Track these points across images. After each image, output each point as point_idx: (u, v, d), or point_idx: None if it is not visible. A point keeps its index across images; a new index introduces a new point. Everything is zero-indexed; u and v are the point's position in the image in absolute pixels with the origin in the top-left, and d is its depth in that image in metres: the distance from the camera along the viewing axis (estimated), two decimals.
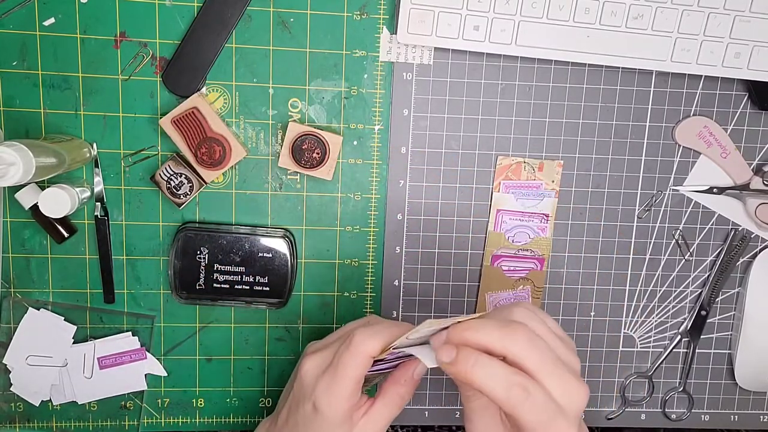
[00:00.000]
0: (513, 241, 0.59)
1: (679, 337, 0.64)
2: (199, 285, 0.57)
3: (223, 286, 0.57)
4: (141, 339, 0.59)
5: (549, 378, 0.38)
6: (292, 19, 0.56)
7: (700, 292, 0.63)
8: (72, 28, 0.54)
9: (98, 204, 0.57)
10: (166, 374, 0.60)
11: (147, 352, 0.59)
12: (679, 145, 0.60)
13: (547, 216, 0.59)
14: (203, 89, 0.56)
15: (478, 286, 0.61)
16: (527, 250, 0.60)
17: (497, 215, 0.59)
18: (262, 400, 0.62)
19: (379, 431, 0.46)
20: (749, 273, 0.62)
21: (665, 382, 0.65)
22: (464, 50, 0.57)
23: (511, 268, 0.60)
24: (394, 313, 0.61)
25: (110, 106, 0.56)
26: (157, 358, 0.60)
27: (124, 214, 0.57)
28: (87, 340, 0.59)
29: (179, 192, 0.56)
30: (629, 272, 0.62)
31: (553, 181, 0.59)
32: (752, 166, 0.61)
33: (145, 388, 0.60)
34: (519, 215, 0.59)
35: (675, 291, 0.63)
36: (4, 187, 0.56)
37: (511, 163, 0.58)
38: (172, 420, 0.62)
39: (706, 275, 0.63)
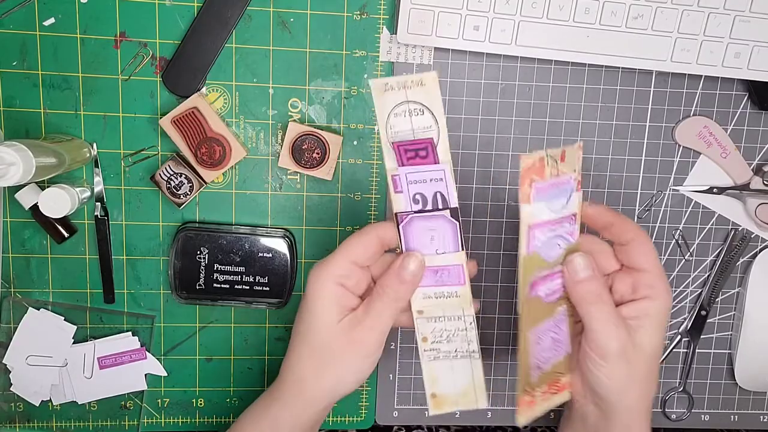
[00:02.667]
0: (546, 260, 0.46)
1: (679, 337, 0.64)
2: (199, 285, 0.57)
3: (223, 286, 0.57)
4: (141, 339, 0.59)
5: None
6: (292, 19, 0.56)
7: (700, 292, 0.63)
8: (72, 28, 0.54)
9: (98, 204, 0.57)
10: (166, 374, 0.60)
11: (147, 352, 0.59)
12: (679, 145, 0.60)
13: (574, 216, 0.46)
14: (203, 89, 0.56)
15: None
16: (561, 263, 0.47)
17: (529, 233, 0.44)
18: None
19: (374, 333, 0.45)
20: (749, 273, 0.62)
21: (665, 382, 0.65)
22: (464, 50, 0.57)
23: (549, 292, 0.47)
24: None
25: (110, 106, 0.56)
26: (157, 358, 0.60)
27: (124, 214, 0.57)
28: (87, 340, 0.59)
29: (179, 192, 0.56)
30: None
31: (575, 170, 0.46)
32: (752, 166, 0.61)
33: (145, 388, 0.60)
34: (549, 225, 0.45)
35: (675, 291, 0.63)
36: (4, 187, 0.56)
37: (534, 161, 0.44)
38: (172, 420, 0.62)
39: (706, 275, 0.63)
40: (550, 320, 0.48)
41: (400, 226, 0.45)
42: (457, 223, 0.45)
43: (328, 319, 0.45)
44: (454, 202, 0.45)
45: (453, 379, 0.49)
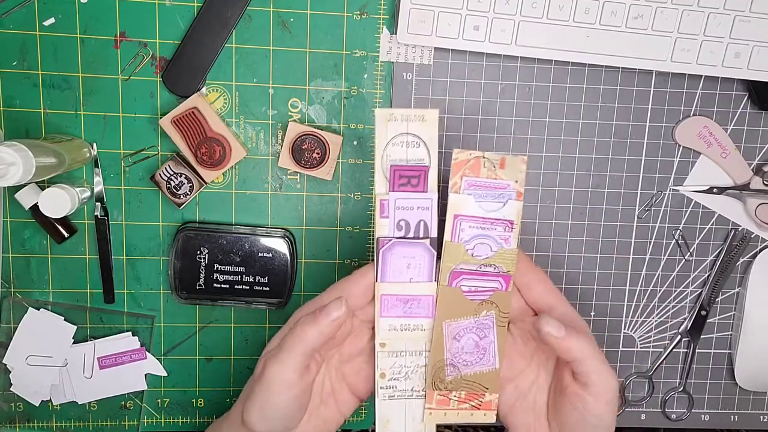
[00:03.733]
0: (473, 255, 0.47)
1: (679, 337, 0.64)
2: (199, 285, 0.57)
3: (223, 286, 0.57)
4: (141, 339, 0.59)
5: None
6: (292, 19, 0.56)
7: (700, 292, 0.63)
8: (72, 28, 0.54)
9: (98, 204, 0.57)
10: (166, 374, 0.60)
11: (147, 352, 0.59)
12: (679, 145, 0.60)
13: (512, 223, 0.47)
14: (203, 89, 0.56)
15: (434, 311, 0.48)
16: (490, 265, 0.47)
17: (455, 221, 0.47)
18: None
19: (278, 367, 0.44)
20: (749, 273, 0.62)
21: (665, 382, 0.65)
22: (464, 50, 0.57)
23: (473, 289, 0.47)
24: None
25: (110, 106, 0.56)
26: (157, 358, 0.60)
27: (124, 214, 0.58)
28: (87, 340, 0.59)
29: (179, 192, 0.56)
30: (629, 272, 0.62)
31: (516, 181, 0.47)
32: (752, 166, 0.61)
33: (145, 388, 0.60)
34: (480, 222, 0.47)
35: (675, 291, 0.63)
36: (4, 187, 0.56)
37: (468, 158, 0.47)
38: (172, 420, 0.62)
39: (706, 275, 0.63)
40: (471, 320, 0.48)
41: (381, 251, 0.46)
42: (435, 253, 0.47)
43: (267, 349, 0.46)
44: (434, 232, 0.47)
45: (405, 424, 0.49)
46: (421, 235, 0.47)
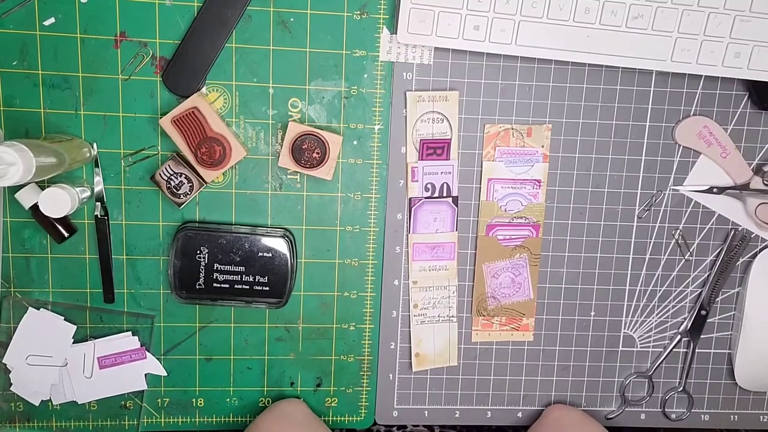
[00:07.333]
0: (506, 210, 0.59)
1: (679, 337, 0.64)
2: (199, 285, 0.57)
3: (222, 285, 0.57)
4: (141, 339, 0.59)
5: None
6: (292, 19, 0.56)
7: (700, 292, 0.63)
8: (72, 28, 0.54)
9: (98, 204, 0.57)
10: (165, 374, 0.60)
11: (147, 352, 0.59)
12: (679, 145, 0.60)
13: (539, 182, 0.59)
14: (203, 89, 0.56)
15: (475, 255, 0.61)
16: (521, 217, 0.59)
17: (488, 184, 0.59)
18: (262, 400, 0.62)
19: None
20: (749, 273, 0.62)
21: (665, 382, 0.65)
22: (464, 50, 0.57)
23: (507, 237, 0.60)
24: (394, 312, 0.61)
25: (110, 106, 0.56)
26: (157, 358, 0.60)
27: (124, 213, 0.57)
28: (87, 340, 0.59)
29: (179, 192, 0.56)
30: (629, 272, 0.62)
31: (543, 146, 0.58)
32: (752, 166, 0.61)
33: (145, 387, 0.60)
34: (510, 182, 0.59)
35: (675, 291, 0.63)
36: (4, 187, 0.56)
37: (499, 130, 0.58)
38: (172, 420, 0.62)
39: (706, 275, 0.63)
40: (507, 261, 0.60)
41: (413, 209, 0.58)
42: (456, 208, 0.58)
43: None
44: (455, 192, 0.58)
45: (433, 341, 0.61)
46: (445, 195, 0.58)
